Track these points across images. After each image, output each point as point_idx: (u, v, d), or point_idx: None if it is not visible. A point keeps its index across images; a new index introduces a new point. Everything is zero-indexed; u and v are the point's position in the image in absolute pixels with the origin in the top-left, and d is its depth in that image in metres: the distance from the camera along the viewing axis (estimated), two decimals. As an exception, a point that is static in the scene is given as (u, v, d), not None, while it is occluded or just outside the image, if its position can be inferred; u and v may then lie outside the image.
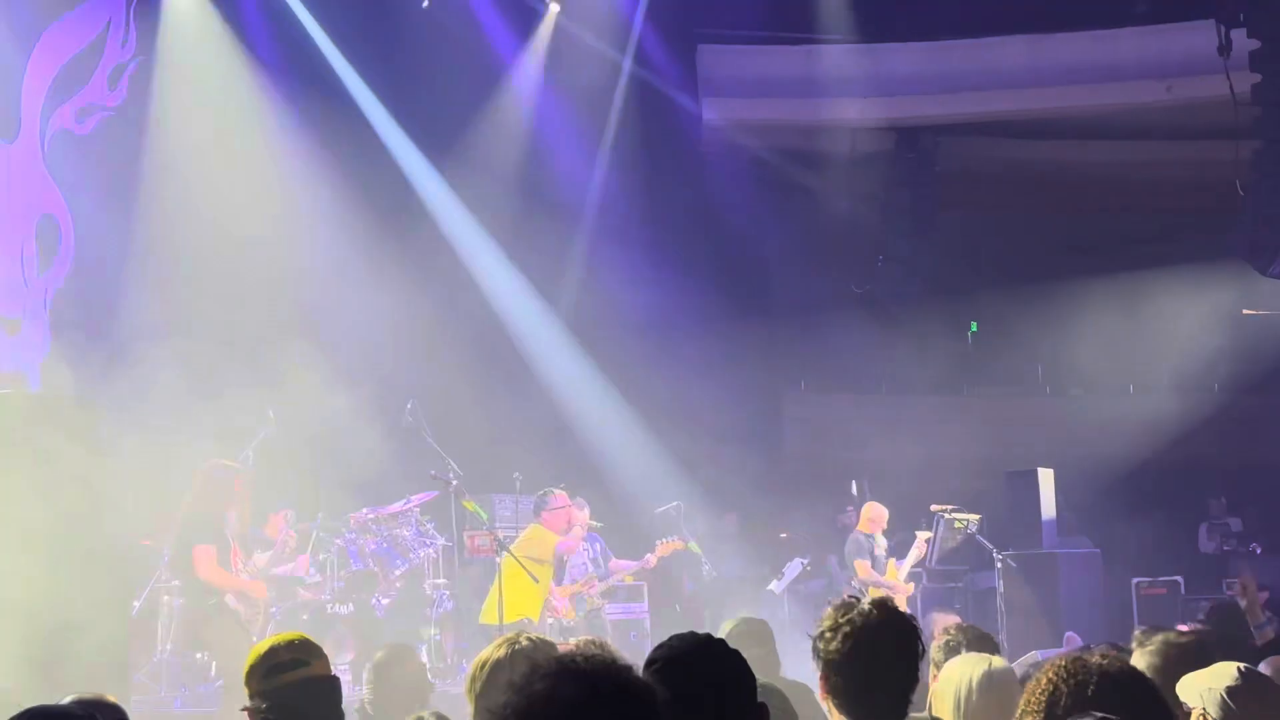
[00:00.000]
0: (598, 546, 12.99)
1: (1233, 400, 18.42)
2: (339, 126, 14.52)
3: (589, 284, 16.47)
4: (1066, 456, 16.01)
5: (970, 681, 4.41)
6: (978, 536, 13.86)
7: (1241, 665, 4.09)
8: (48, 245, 12.82)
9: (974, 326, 19.97)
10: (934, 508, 14.29)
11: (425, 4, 15.30)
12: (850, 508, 15.42)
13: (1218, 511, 17.76)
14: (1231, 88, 12.73)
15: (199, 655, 11.35)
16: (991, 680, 4.41)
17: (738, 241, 17.54)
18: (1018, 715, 3.53)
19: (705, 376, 16.50)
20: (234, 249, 13.46)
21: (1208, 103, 14.58)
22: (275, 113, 14.32)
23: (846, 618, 3.80)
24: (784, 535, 16.06)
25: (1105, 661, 3.35)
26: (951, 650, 5.16)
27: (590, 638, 5.54)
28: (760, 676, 3.47)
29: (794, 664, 5.94)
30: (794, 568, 14.04)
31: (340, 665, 10.26)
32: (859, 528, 13.40)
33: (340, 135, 14.49)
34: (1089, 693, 3.28)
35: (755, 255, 18.32)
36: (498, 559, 11.15)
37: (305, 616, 11.28)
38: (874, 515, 13.38)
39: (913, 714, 3.87)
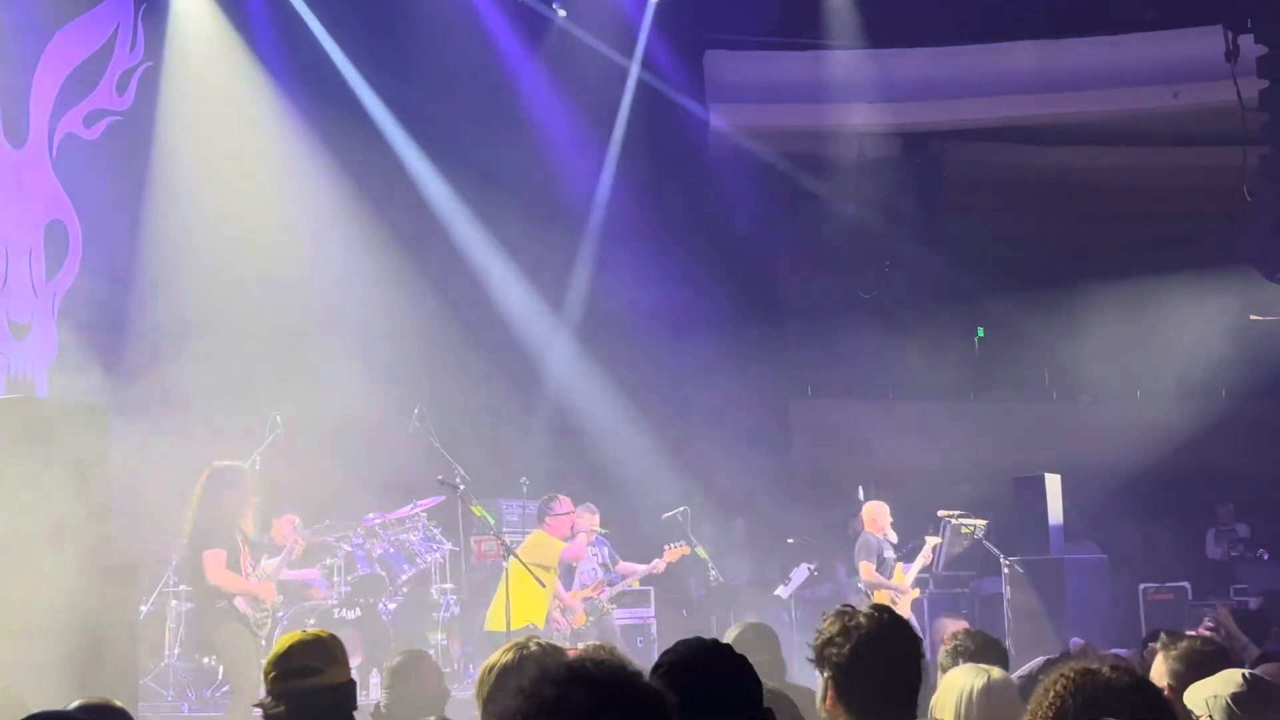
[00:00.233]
0: (605, 550, 12.99)
1: (1240, 406, 18.40)
2: (346, 131, 14.53)
3: (596, 289, 16.48)
4: (1074, 462, 15.98)
5: (970, 692, 4.41)
6: (985, 542, 13.84)
7: (1246, 672, 4.10)
8: (56, 250, 12.84)
9: (980, 332, 19.95)
10: (941, 513, 14.28)
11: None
12: (861, 514, 15.40)
13: (1225, 517, 17.73)
14: (1239, 93, 12.71)
15: (206, 660, 11.36)
16: (990, 692, 4.41)
17: (745, 247, 17.53)
18: (1024, 725, 3.52)
19: (712, 381, 16.52)
20: (241, 254, 13.48)
21: (1215, 108, 14.57)
22: (283, 117, 14.32)
23: (852, 623, 3.79)
24: (791, 541, 16.05)
25: (1113, 675, 3.33)
26: (959, 655, 5.16)
27: (598, 643, 5.54)
28: (767, 682, 3.47)
29: (800, 669, 5.94)
30: (800, 573, 14.02)
31: (347, 669, 10.24)
32: (866, 528, 13.39)
33: (348, 140, 14.50)
34: (1096, 707, 3.27)
35: (762, 261, 18.32)
36: (505, 563, 11.16)
37: (312, 620, 11.29)
38: (875, 514, 13.33)
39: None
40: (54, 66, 12.98)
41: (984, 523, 14.10)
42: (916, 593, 13.44)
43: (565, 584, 12.34)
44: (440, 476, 11.72)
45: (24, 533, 7.97)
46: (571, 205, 16.53)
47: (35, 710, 4.34)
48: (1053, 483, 14.64)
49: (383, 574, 12.35)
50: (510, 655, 4.41)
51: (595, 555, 12.74)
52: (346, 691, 4.31)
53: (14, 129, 12.63)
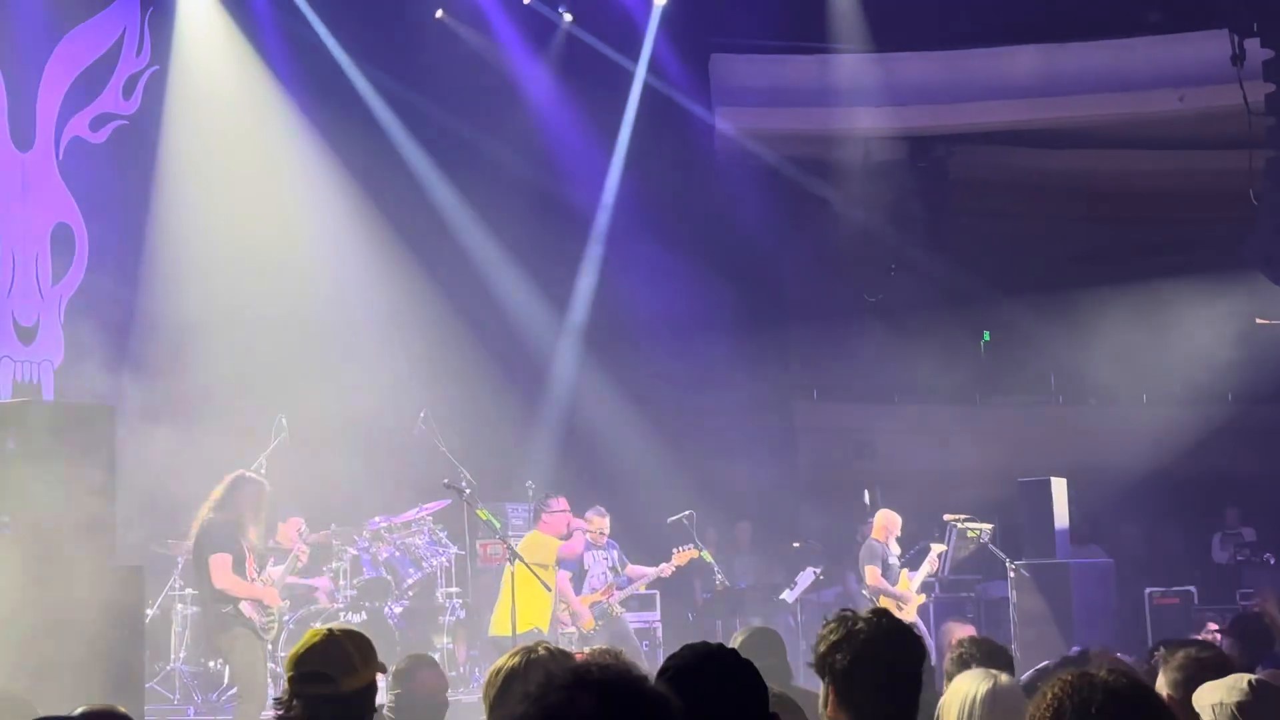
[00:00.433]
0: (615, 553, 12.98)
1: (1246, 410, 18.37)
2: (352, 135, 14.55)
3: (602, 293, 16.49)
4: (1080, 466, 15.96)
5: (975, 698, 4.41)
6: (990, 546, 13.83)
7: (1252, 678, 4.08)
8: (62, 254, 12.86)
9: (986, 336, 19.94)
10: (947, 517, 14.27)
11: (439, 14, 15.34)
12: (870, 520, 15.40)
13: (1231, 521, 17.69)
14: (1245, 97, 12.70)
15: (212, 664, 11.38)
16: (996, 698, 4.40)
17: (751, 250, 17.52)
18: (1022, 730, 3.52)
19: (718, 385, 16.51)
20: (246, 258, 13.49)
21: (1221, 112, 14.55)
22: (288, 121, 14.35)
23: (853, 628, 3.78)
24: (797, 544, 16.05)
25: (1112, 678, 3.33)
26: (964, 663, 5.15)
27: (605, 647, 5.54)
28: (773, 686, 3.47)
29: (806, 673, 5.93)
30: (806, 577, 14.02)
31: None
32: (873, 535, 13.38)
33: (354, 144, 14.52)
34: (1093, 710, 3.27)
35: (768, 264, 18.31)
36: (510, 566, 11.15)
37: (318, 624, 11.28)
38: (887, 522, 13.36)
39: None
40: (61, 71, 13.01)
41: (989, 526, 14.09)
42: (922, 598, 13.43)
43: (576, 588, 12.32)
44: (446, 480, 11.72)
45: (30, 536, 7.98)
46: (578, 209, 16.54)
47: (40, 715, 4.35)
48: (1059, 486, 14.62)
49: (388, 578, 12.37)
50: (517, 660, 4.41)
51: (605, 559, 12.73)
52: (359, 700, 4.23)
53: (21, 133, 12.66)
